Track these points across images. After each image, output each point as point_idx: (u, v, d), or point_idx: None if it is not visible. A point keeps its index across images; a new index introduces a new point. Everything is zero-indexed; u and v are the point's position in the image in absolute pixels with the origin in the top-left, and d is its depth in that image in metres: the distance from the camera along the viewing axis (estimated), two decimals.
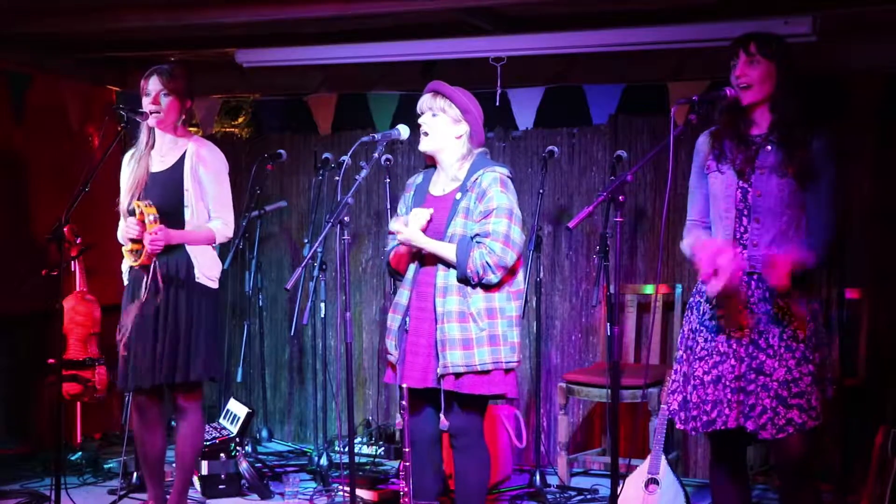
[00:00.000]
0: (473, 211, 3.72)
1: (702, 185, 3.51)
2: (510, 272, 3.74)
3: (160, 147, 4.27)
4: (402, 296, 3.82)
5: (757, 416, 3.31)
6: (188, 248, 4.20)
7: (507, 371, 3.75)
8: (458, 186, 3.79)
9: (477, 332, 3.68)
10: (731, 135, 3.42)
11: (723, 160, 3.42)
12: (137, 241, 4.13)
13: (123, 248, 4.21)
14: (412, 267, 3.82)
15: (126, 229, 4.15)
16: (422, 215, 3.74)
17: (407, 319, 3.79)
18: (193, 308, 4.20)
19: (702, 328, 3.46)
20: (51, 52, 5.81)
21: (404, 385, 3.71)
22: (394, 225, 3.77)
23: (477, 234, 3.70)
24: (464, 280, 3.69)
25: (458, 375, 3.68)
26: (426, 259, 3.78)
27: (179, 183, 4.20)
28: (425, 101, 3.82)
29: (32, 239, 5.67)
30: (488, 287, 3.71)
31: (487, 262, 3.64)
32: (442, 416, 3.71)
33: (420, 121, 3.82)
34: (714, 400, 3.37)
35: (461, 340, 3.67)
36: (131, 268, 4.24)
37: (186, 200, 4.20)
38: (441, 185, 3.86)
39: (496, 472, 5.13)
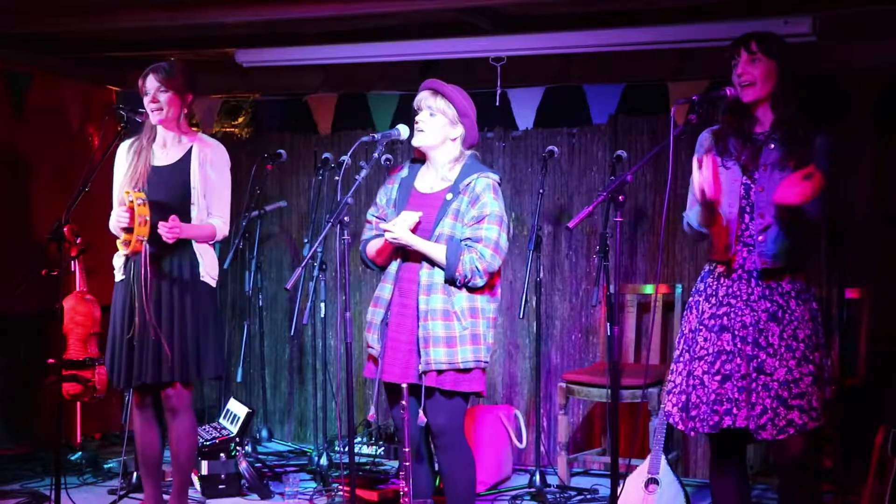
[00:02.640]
0: (465, 214, 3.74)
1: None
2: (492, 277, 3.78)
3: (162, 142, 4.28)
4: (385, 290, 3.84)
5: (757, 416, 3.31)
6: (194, 245, 4.22)
7: (483, 370, 3.82)
8: (449, 187, 3.80)
9: (460, 331, 3.71)
10: (735, 133, 3.43)
11: (727, 157, 3.43)
12: (129, 229, 4.13)
13: (118, 240, 4.21)
14: (395, 263, 3.84)
15: (117, 218, 4.14)
16: (411, 218, 3.75)
17: (387, 314, 3.81)
18: (199, 307, 4.21)
19: (701, 328, 3.46)
20: (51, 52, 5.81)
21: (404, 385, 3.71)
22: (383, 225, 3.77)
23: (468, 238, 3.72)
24: (450, 281, 3.72)
25: (440, 372, 3.71)
26: (410, 256, 3.79)
27: (186, 180, 4.21)
28: (424, 99, 3.81)
29: (32, 239, 5.67)
30: (471, 288, 3.75)
31: (477, 267, 3.69)
32: (420, 412, 3.73)
33: (417, 118, 3.82)
34: (722, 399, 3.37)
35: (445, 338, 3.70)
36: (126, 260, 4.23)
37: (194, 198, 4.21)
38: (429, 182, 3.86)
39: (496, 472, 5.14)
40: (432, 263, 3.74)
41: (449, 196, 3.77)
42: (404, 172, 3.94)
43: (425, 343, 3.70)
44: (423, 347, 3.71)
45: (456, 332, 3.71)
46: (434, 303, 3.72)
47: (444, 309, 3.71)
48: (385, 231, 3.75)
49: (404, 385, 3.71)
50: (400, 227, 3.72)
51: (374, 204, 3.99)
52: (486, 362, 3.80)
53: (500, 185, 3.84)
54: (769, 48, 3.35)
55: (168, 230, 4.05)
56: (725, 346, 3.39)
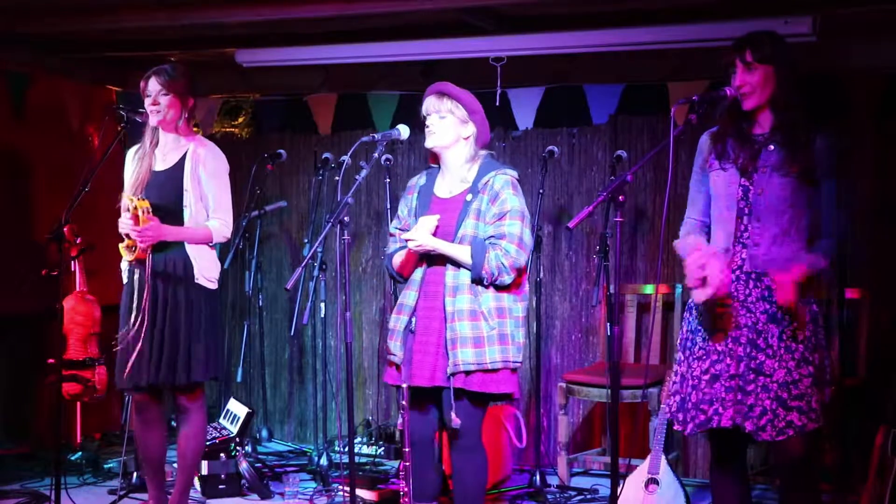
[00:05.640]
0: (486, 213, 3.74)
1: (703, 184, 3.52)
2: (519, 274, 3.77)
3: (163, 146, 4.28)
4: (409, 297, 3.83)
5: (756, 418, 3.31)
6: (187, 247, 4.20)
7: (513, 370, 3.79)
8: (469, 188, 3.79)
9: (488, 331, 3.70)
10: (733, 134, 3.42)
11: (725, 158, 3.42)
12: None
13: (120, 245, 4.22)
14: (420, 269, 3.83)
15: (120, 225, 4.15)
16: (429, 222, 3.74)
17: (413, 320, 3.80)
18: (193, 308, 4.20)
19: (699, 328, 3.46)
20: (51, 52, 5.81)
21: (405, 385, 3.71)
22: (405, 235, 3.77)
23: (491, 236, 3.72)
24: (477, 280, 3.71)
25: (468, 373, 3.69)
26: (435, 260, 3.78)
27: (179, 183, 4.20)
28: (431, 104, 3.80)
29: (32, 239, 5.67)
30: (498, 287, 3.74)
31: (503, 264, 3.68)
32: (453, 413, 3.71)
33: (427, 122, 3.81)
34: (711, 398, 3.37)
35: (472, 338, 3.68)
36: (130, 264, 4.24)
37: (185, 201, 4.20)
38: (447, 186, 3.86)
39: (496, 472, 5.13)
40: (458, 265, 3.73)
41: (469, 197, 3.77)
42: (422, 180, 3.94)
43: (453, 344, 3.69)
44: (451, 349, 3.69)
45: (483, 332, 3.70)
46: (461, 303, 3.71)
47: (470, 309, 3.70)
48: (407, 241, 3.75)
49: (404, 385, 3.71)
50: (421, 233, 3.72)
51: (396, 217, 3.99)
52: (516, 362, 3.77)
53: (518, 181, 3.84)
54: (764, 54, 3.33)
55: (139, 235, 4.05)
56: (717, 346, 3.40)
